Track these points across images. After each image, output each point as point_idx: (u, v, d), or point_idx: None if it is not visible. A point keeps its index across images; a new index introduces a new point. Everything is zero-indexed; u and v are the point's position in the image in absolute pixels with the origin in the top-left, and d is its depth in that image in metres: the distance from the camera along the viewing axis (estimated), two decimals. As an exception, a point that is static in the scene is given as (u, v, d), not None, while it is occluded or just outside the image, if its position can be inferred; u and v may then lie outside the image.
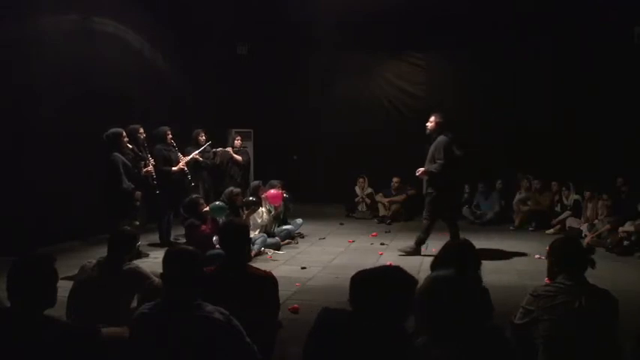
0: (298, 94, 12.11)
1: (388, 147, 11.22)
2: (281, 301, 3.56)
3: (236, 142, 9.33)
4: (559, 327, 2.79)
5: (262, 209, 7.67)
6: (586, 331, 2.76)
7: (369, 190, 11.02)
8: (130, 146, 6.73)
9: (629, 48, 10.26)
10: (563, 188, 9.63)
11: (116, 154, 6.41)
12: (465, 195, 10.68)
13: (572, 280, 2.87)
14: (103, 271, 3.62)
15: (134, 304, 3.55)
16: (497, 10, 10.31)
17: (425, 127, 7.17)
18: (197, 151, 8.12)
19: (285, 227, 8.14)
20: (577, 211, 9.13)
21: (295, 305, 4.84)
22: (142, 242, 6.70)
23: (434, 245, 6.69)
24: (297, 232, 8.50)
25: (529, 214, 9.72)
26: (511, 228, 9.70)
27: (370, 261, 6.58)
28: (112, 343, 2.69)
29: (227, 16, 10.62)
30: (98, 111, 7.75)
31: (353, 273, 2.41)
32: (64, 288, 2.87)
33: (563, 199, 9.59)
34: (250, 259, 4.00)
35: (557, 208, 9.62)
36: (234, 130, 11.00)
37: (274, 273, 3.44)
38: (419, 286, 2.28)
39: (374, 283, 2.32)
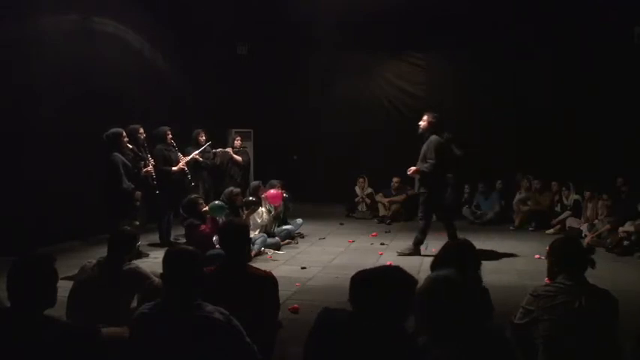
0: (298, 94, 12.11)
1: (388, 147, 11.23)
2: (281, 301, 3.56)
3: (236, 142, 9.35)
4: (559, 327, 2.79)
5: (262, 209, 7.67)
6: (586, 331, 2.76)
7: (369, 190, 11.02)
8: (130, 146, 6.73)
9: (629, 48, 10.26)
10: (563, 188, 9.63)
11: (116, 154, 6.41)
12: (465, 195, 10.69)
13: (572, 280, 2.87)
14: (103, 271, 3.62)
15: (134, 304, 3.55)
16: (497, 10, 10.31)
17: (418, 126, 7.20)
18: (197, 151, 8.12)
19: (285, 227, 8.14)
20: (577, 211, 9.13)
21: (295, 305, 4.84)
22: (142, 242, 6.70)
23: (434, 245, 6.69)
24: (297, 232, 8.50)
25: (529, 214, 9.72)
26: (511, 228, 9.70)
27: (370, 261, 6.58)
28: (112, 343, 2.69)
29: (227, 16, 10.61)
30: (98, 111, 7.75)
31: (353, 273, 2.41)
32: (64, 288, 2.87)
33: (563, 199, 9.59)
34: (250, 259, 4.00)
35: (557, 208, 9.62)
36: (234, 131, 11.04)
37: (274, 273, 3.44)
38: (419, 286, 2.28)
39: (374, 283, 2.31)
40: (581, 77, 10.42)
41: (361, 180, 11.09)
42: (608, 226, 7.82)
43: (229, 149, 9.19)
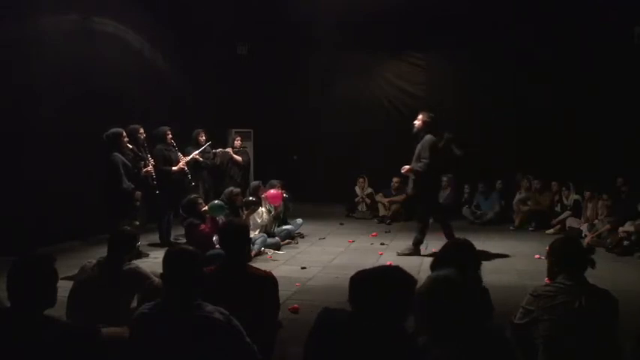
0: (298, 94, 12.11)
1: (388, 147, 11.22)
2: (281, 301, 3.56)
3: (236, 142, 9.36)
4: (559, 327, 2.79)
5: (262, 209, 7.67)
6: (586, 331, 2.76)
7: (369, 190, 11.02)
8: (130, 146, 6.73)
9: (629, 48, 10.25)
10: (563, 188, 9.63)
11: (116, 154, 6.41)
12: (465, 195, 10.69)
13: (572, 280, 2.87)
14: (103, 271, 3.62)
15: (134, 304, 3.55)
16: (497, 10, 10.30)
17: (412, 125, 7.21)
18: (197, 151, 8.12)
19: (285, 227, 8.14)
20: (577, 211, 9.13)
21: (295, 305, 4.84)
22: (142, 242, 6.70)
23: (434, 245, 6.70)
24: (297, 232, 8.50)
25: (529, 214, 9.71)
26: (511, 228, 9.69)
27: (370, 261, 6.57)
28: (112, 343, 2.69)
29: (227, 16, 10.61)
30: (98, 111, 7.75)
31: (353, 273, 2.41)
32: (64, 288, 2.87)
33: (563, 199, 9.58)
34: (250, 259, 4.00)
35: (557, 208, 9.61)
36: (234, 131, 11.04)
37: (274, 273, 3.44)
38: (419, 286, 2.28)
39: (374, 283, 2.31)
40: (581, 77, 10.42)
41: (361, 180, 11.09)
42: (608, 226, 7.82)
43: (229, 149, 9.19)
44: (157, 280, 3.56)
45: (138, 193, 6.64)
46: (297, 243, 8.14)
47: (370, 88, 12.21)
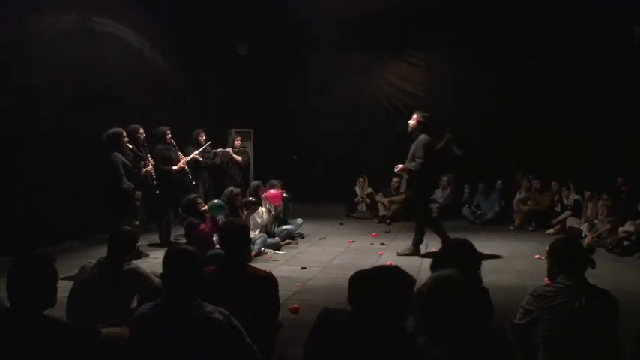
0: (298, 94, 12.11)
1: (388, 147, 11.20)
2: (281, 301, 3.56)
3: (236, 142, 9.36)
4: (559, 327, 2.79)
5: (262, 209, 7.67)
6: (586, 331, 2.76)
7: (369, 190, 11.02)
8: (130, 146, 6.73)
9: (629, 48, 10.25)
10: (563, 188, 9.63)
11: (116, 154, 6.41)
12: (465, 195, 10.69)
13: (572, 280, 2.87)
14: (103, 271, 3.62)
15: (134, 304, 3.56)
16: (497, 10, 10.30)
17: (407, 125, 7.21)
18: (197, 151, 8.13)
19: (285, 227, 8.14)
20: (577, 211, 9.12)
21: (295, 305, 4.84)
22: (142, 242, 6.70)
23: (434, 245, 6.70)
24: (297, 232, 8.50)
25: (529, 214, 9.71)
26: (511, 228, 9.69)
27: (370, 261, 6.57)
28: (112, 343, 2.69)
29: (227, 16, 10.61)
30: (98, 111, 7.75)
31: (353, 273, 2.41)
32: (64, 288, 2.87)
33: (563, 199, 9.58)
34: (250, 259, 4.00)
35: (557, 208, 9.61)
36: (234, 131, 11.04)
37: (274, 273, 3.44)
38: (419, 286, 2.28)
39: (373, 283, 2.31)
40: (581, 77, 10.42)
41: (361, 180, 11.09)
42: (608, 226, 7.82)
43: (229, 149, 9.19)
44: (157, 280, 3.56)
45: (138, 193, 6.64)
46: (297, 243, 8.14)
47: (370, 88, 12.21)
